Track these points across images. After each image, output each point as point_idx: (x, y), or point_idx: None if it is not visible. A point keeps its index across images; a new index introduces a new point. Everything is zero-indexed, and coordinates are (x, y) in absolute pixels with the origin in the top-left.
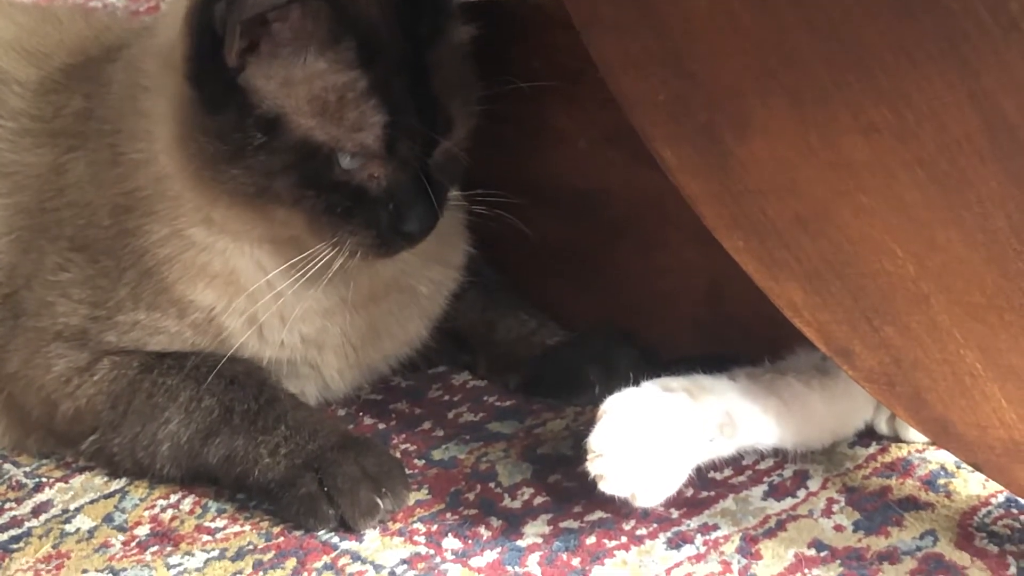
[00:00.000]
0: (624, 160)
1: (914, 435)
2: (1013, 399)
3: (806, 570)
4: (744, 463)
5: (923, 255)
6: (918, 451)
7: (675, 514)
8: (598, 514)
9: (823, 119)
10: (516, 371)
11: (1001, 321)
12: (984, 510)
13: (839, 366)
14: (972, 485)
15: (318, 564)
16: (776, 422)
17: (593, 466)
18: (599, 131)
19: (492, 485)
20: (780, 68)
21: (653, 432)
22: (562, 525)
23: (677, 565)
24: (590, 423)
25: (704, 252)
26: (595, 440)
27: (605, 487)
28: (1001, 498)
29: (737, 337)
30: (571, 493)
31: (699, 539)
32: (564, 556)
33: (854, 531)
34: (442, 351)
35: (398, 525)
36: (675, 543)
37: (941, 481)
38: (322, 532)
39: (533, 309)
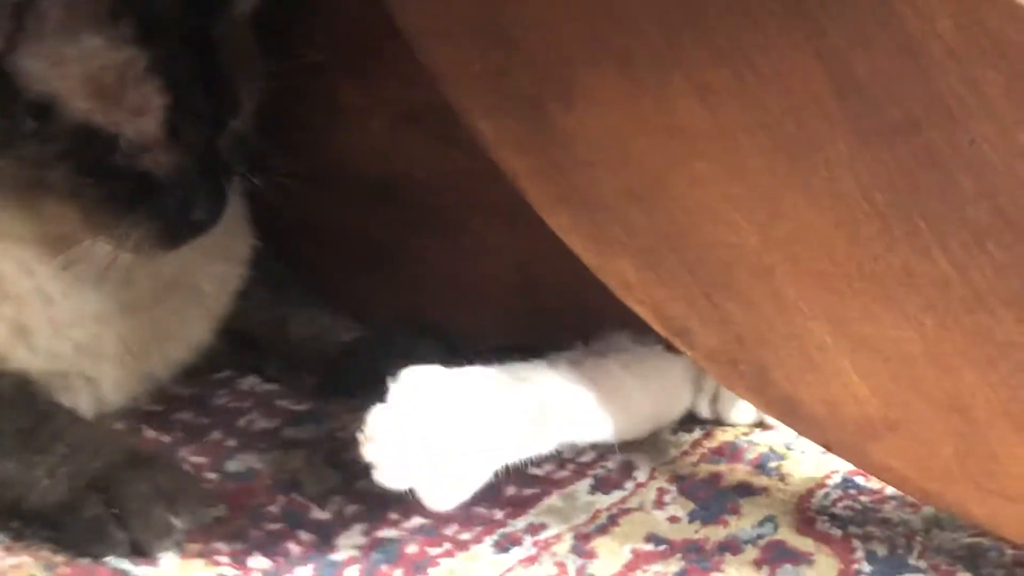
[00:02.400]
0: (424, 140)
1: (737, 417)
2: (865, 372)
3: (645, 566)
4: (564, 456)
5: (767, 224)
6: (744, 434)
7: (499, 514)
8: (417, 520)
9: (656, 83)
10: (311, 371)
11: (851, 289)
12: (821, 492)
13: (679, 348)
14: (805, 466)
15: None
16: (597, 415)
17: (365, 452)
18: (396, 110)
19: (297, 496)
20: (610, 32)
21: (445, 419)
22: (379, 535)
23: (509, 570)
24: None
25: (514, 235)
26: (371, 422)
27: (379, 478)
28: (837, 479)
29: (551, 326)
30: (385, 499)
31: (528, 540)
32: (384, 568)
33: (690, 522)
34: (228, 354)
35: (197, 546)
36: (503, 546)
37: (772, 464)
38: (112, 558)
39: (328, 304)
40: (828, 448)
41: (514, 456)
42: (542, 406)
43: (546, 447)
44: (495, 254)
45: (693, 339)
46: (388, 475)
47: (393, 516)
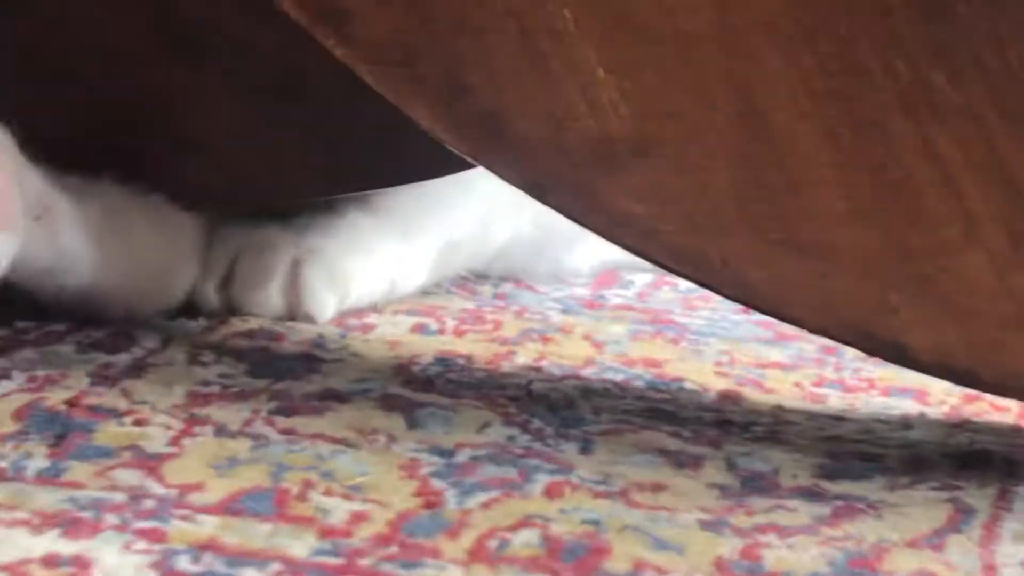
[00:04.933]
0: None
1: (261, 304)
2: (618, 64)
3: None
4: None
5: None
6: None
7: None
8: None
9: None
10: None
11: None
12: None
13: (324, 41)
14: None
15: None
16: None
17: None
18: None
19: None
20: None
21: None
22: None
23: None
24: None
25: None
26: None
27: None
28: (429, 358)
29: None
30: None
31: None
32: None
33: (254, 377)
34: None
35: None
36: None
37: (333, 345)
38: None
39: None
40: (538, 192)
41: None
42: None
43: None
44: None
45: (351, 24)
46: None
47: None
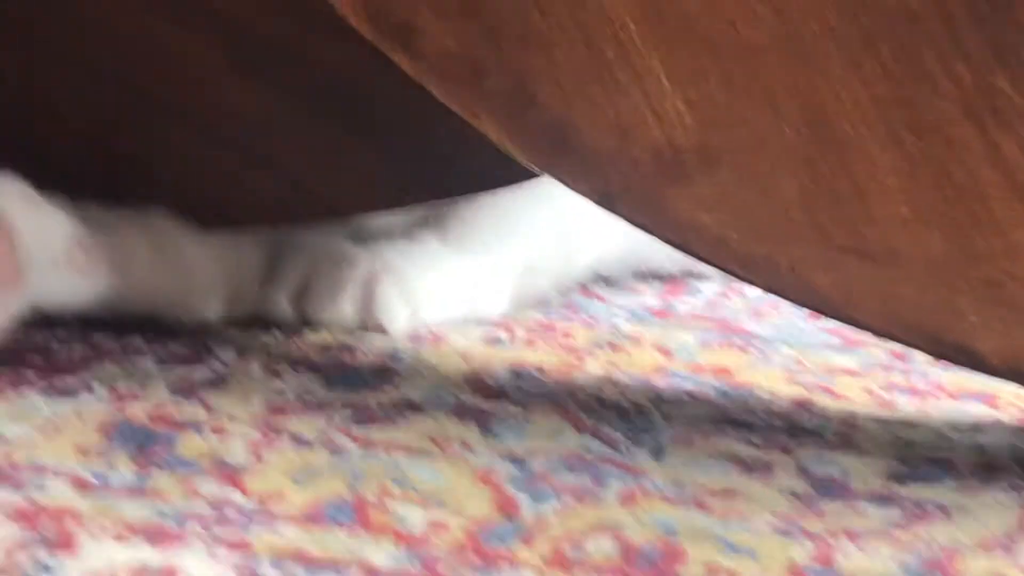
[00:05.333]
0: None
1: (334, 315)
2: (682, 75)
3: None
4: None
5: None
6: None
7: None
8: None
9: None
10: None
11: None
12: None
13: (395, 57)
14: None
15: None
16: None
17: None
18: None
19: None
20: None
21: None
22: None
23: None
24: None
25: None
26: None
27: None
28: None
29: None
30: None
31: None
32: None
33: (330, 388)
34: None
35: None
36: None
37: (405, 357)
38: None
39: None
40: (607, 202)
41: None
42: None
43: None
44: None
45: (420, 40)
46: None
47: None
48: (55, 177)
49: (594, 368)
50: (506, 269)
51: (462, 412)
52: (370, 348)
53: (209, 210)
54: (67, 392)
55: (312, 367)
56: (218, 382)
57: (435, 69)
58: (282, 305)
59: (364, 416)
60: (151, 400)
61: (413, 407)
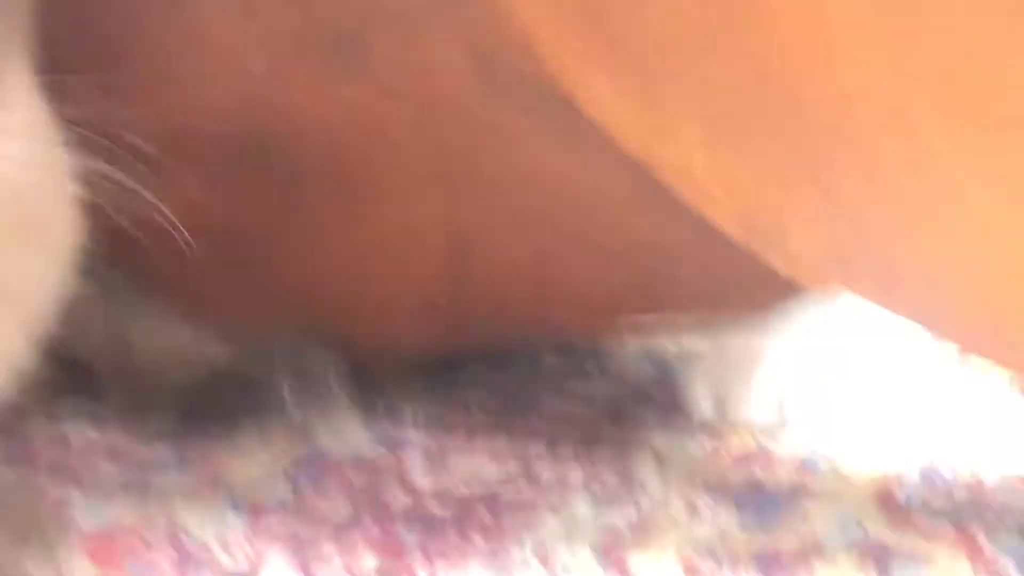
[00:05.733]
0: (319, 79)
1: (754, 415)
2: None
3: None
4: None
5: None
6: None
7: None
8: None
9: None
10: (171, 400)
11: None
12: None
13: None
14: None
15: None
16: None
17: None
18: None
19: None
20: None
21: None
22: None
23: None
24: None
25: (442, 205)
26: None
27: None
28: (914, 474)
29: (488, 319)
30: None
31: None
32: None
33: (742, 530)
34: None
35: None
36: None
37: (821, 465)
38: None
39: (182, 314)
40: None
41: None
42: None
43: None
44: (418, 229)
45: (790, 243)
46: None
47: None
48: None
49: None
50: None
51: (865, 551)
52: (784, 454)
53: None
54: None
55: (728, 493)
56: (643, 533)
57: (806, 270)
58: (704, 405)
59: (769, 563)
60: None
61: (820, 551)
